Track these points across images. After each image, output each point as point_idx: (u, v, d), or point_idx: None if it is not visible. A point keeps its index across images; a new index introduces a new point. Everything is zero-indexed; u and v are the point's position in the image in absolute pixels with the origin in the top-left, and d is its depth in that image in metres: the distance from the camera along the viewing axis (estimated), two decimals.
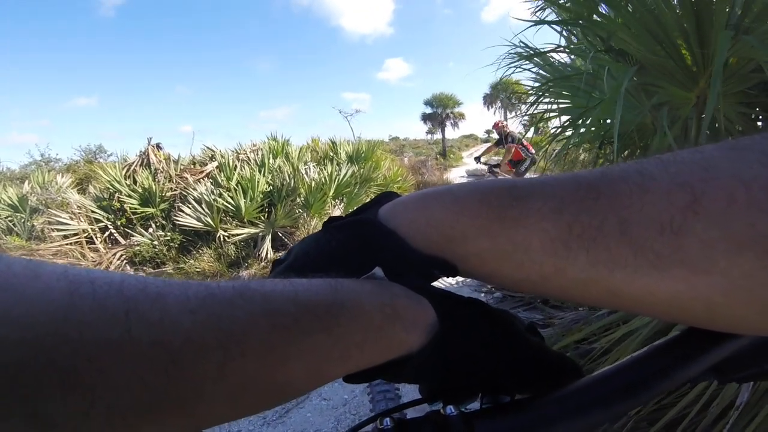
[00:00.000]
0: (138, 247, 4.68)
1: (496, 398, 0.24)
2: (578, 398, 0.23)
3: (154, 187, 5.03)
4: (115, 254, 4.73)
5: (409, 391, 1.57)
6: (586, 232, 0.19)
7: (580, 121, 1.71)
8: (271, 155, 5.54)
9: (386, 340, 0.20)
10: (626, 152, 1.72)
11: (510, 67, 1.88)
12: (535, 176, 0.23)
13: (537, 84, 2.07)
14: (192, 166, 5.65)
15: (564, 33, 1.79)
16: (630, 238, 0.18)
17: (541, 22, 1.61)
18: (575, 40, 1.77)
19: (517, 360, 0.24)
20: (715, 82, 1.04)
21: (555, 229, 0.20)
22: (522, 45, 1.86)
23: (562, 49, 1.80)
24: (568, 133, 1.95)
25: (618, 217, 0.18)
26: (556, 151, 2.20)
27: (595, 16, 1.45)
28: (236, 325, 0.16)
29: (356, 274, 0.22)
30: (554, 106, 2.02)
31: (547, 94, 1.92)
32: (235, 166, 5.24)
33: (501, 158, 6.57)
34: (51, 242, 4.84)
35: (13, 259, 0.13)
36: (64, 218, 4.92)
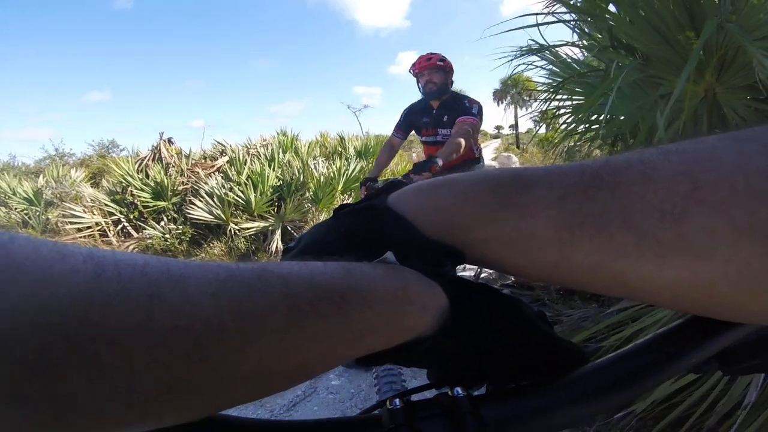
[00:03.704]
0: (150, 240, 4.73)
1: (503, 385, 0.25)
2: (584, 384, 0.23)
3: (165, 181, 5.08)
4: (127, 247, 4.80)
5: (416, 384, 1.58)
6: (589, 219, 0.19)
7: (593, 116, 1.70)
8: (280, 150, 5.55)
9: (398, 324, 0.21)
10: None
11: (521, 64, 1.87)
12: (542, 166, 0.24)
13: (549, 81, 2.05)
14: (203, 161, 5.70)
15: (576, 30, 1.78)
16: (632, 225, 0.18)
17: (551, 21, 1.60)
18: (587, 38, 1.76)
19: (526, 346, 0.24)
20: (690, 65, 1.04)
21: (560, 215, 0.20)
22: (533, 42, 1.85)
23: (572, 44, 1.79)
24: (581, 129, 1.93)
25: (620, 204, 0.19)
26: (566, 147, 2.18)
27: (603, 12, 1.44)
28: (255, 308, 0.16)
29: (367, 259, 0.22)
30: (567, 103, 2.01)
31: (560, 91, 1.91)
32: (246, 160, 5.27)
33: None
34: (65, 235, 4.93)
35: (41, 241, 0.14)
36: (78, 211, 5.00)
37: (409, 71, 2.43)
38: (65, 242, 0.15)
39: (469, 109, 2.28)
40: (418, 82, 2.39)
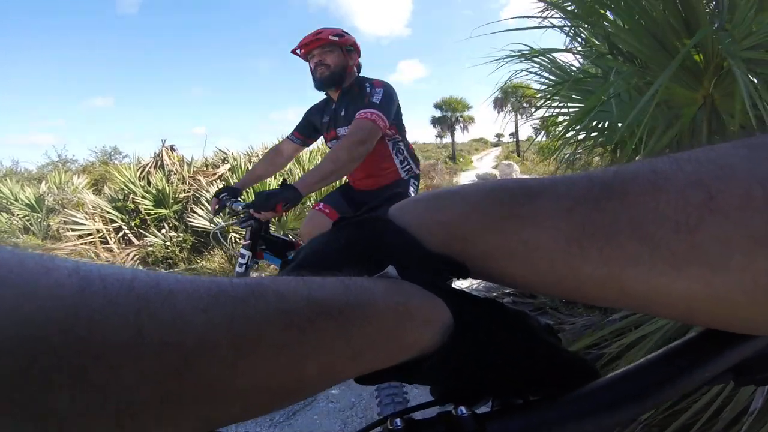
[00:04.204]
0: (151, 248, 4.74)
1: (509, 401, 0.24)
2: (592, 400, 0.22)
3: (167, 188, 5.10)
4: (128, 254, 4.80)
5: (418, 395, 1.57)
6: (599, 231, 0.19)
7: (593, 123, 1.70)
8: None
9: (400, 341, 0.20)
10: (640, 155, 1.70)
11: (519, 71, 1.88)
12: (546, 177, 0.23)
13: (547, 87, 2.06)
14: (205, 168, 5.72)
15: (570, 35, 1.79)
16: (644, 236, 0.18)
17: (548, 26, 1.61)
18: (581, 43, 1.77)
19: (531, 360, 0.23)
20: (674, 65, 1.07)
21: (567, 227, 0.20)
22: (528, 47, 1.85)
23: (569, 50, 1.80)
24: (581, 136, 1.94)
25: (631, 215, 0.18)
26: (567, 155, 2.18)
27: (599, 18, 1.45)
28: (249, 325, 0.15)
29: (368, 273, 0.22)
30: (565, 110, 2.01)
31: (556, 97, 1.91)
32: (247, 168, 5.29)
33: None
34: (66, 242, 4.93)
35: (26, 253, 0.13)
36: (80, 218, 5.02)
37: (296, 52, 1.77)
38: (52, 254, 0.14)
39: (368, 96, 1.61)
40: (309, 67, 1.78)
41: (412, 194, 1.72)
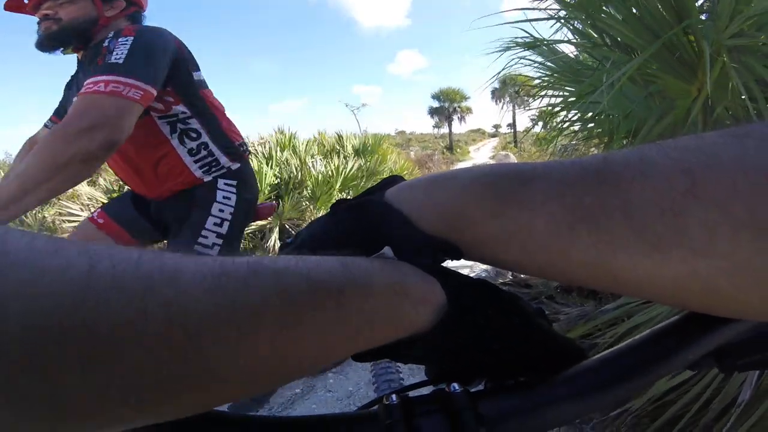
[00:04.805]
0: None
1: (501, 381, 0.25)
2: (581, 380, 0.23)
3: None
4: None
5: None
6: (589, 215, 0.19)
7: (589, 114, 1.70)
8: (278, 148, 5.55)
9: (395, 319, 0.21)
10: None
11: (514, 58, 1.86)
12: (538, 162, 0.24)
13: (543, 76, 2.04)
14: None
15: (568, 26, 1.78)
16: (632, 220, 0.18)
17: (543, 18, 1.60)
18: (579, 35, 1.76)
19: (525, 343, 0.24)
20: (657, 44, 1.09)
21: (559, 211, 0.20)
22: (528, 35, 1.84)
23: (567, 41, 1.79)
24: (576, 127, 1.94)
25: (620, 200, 0.19)
26: (562, 146, 2.18)
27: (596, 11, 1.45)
28: (250, 303, 0.16)
29: (364, 255, 0.22)
30: (560, 100, 2.00)
31: (555, 89, 1.91)
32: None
33: None
34: (62, 233, 4.91)
35: (36, 235, 0.14)
36: (75, 209, 4.98)
37: (22, 10, 1.19)
38: (61, 237, 0.14)
39: (102, 55, 1.02)
40: None
41: (228, 204, 1.26)
